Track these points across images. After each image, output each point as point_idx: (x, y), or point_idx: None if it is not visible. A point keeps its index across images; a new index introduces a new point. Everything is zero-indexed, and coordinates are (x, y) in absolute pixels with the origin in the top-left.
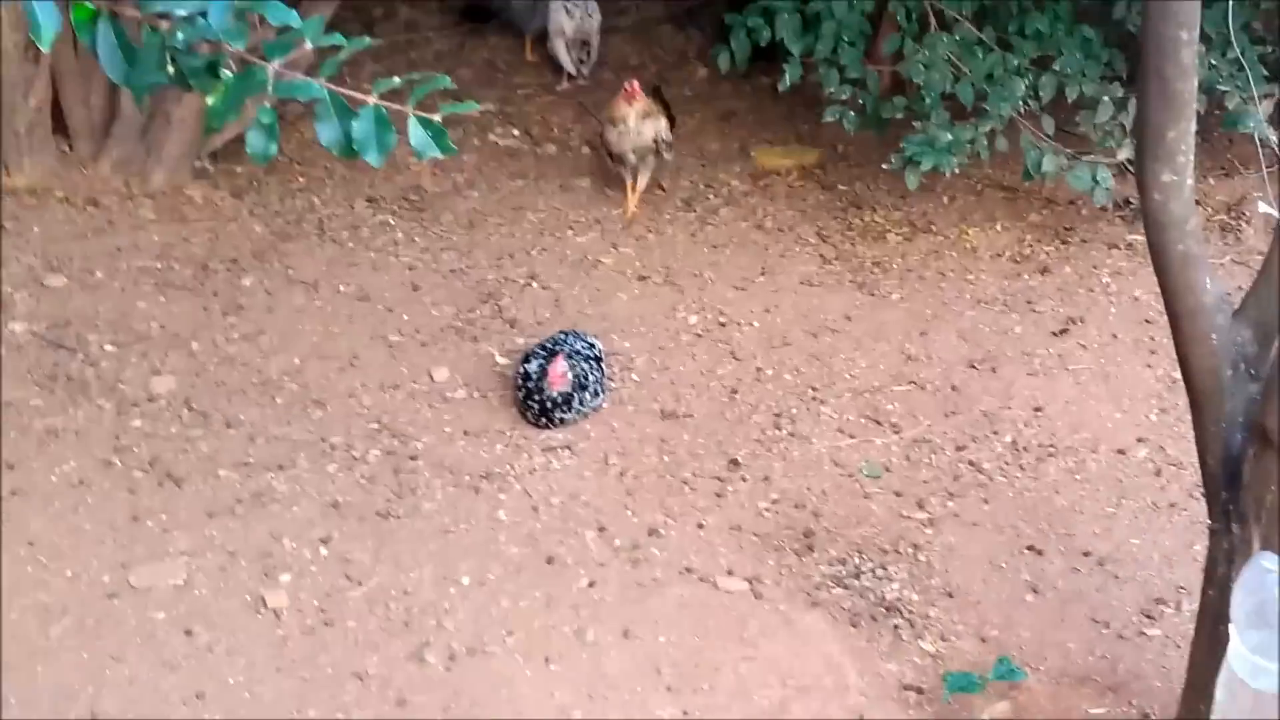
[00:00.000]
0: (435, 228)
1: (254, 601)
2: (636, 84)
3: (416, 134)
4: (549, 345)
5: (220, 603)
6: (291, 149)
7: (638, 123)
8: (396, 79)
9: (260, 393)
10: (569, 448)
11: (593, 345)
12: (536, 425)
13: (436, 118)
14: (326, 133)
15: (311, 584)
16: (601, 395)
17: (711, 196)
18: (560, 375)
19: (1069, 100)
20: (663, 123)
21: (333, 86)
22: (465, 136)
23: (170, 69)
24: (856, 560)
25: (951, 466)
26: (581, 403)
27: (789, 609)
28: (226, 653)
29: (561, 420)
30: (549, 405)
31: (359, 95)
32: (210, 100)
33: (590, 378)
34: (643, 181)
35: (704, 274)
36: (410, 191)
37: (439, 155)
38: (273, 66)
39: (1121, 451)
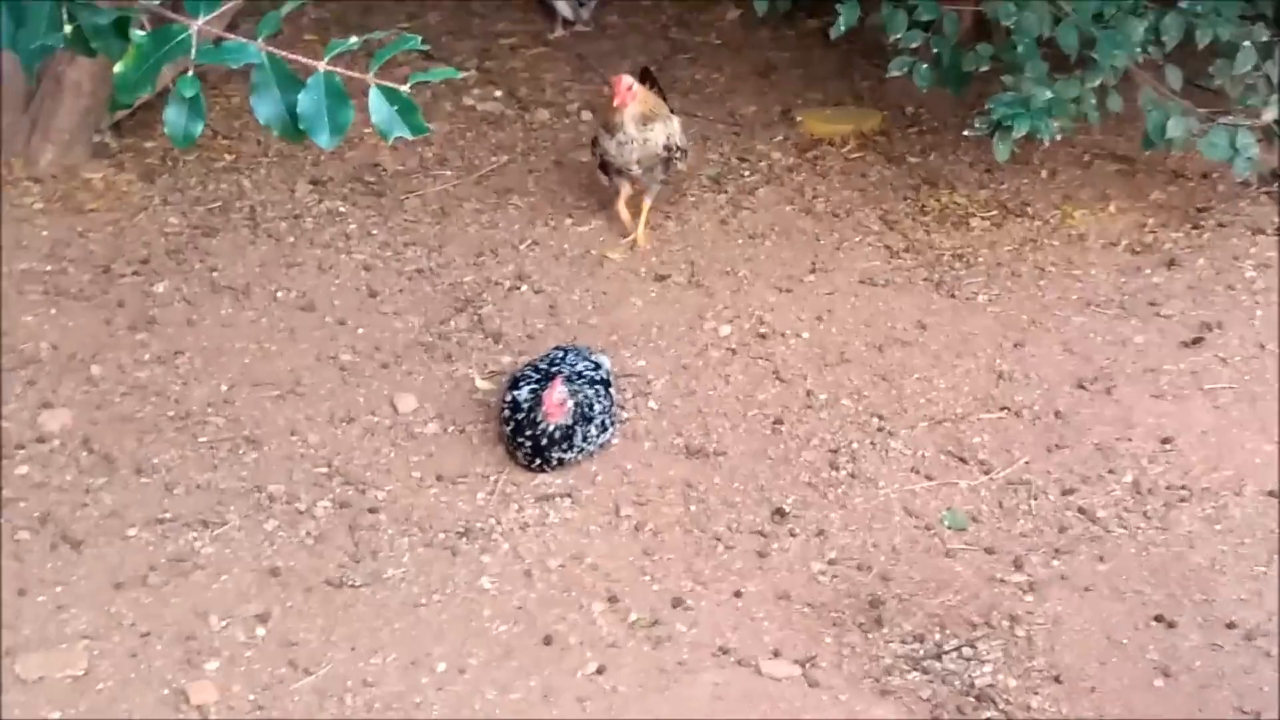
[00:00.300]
0: (397, 217)
1: (173, 696)
2: (625, 80)
3: (379, 109)
4: (543, 366)
5: (131, 698)
6: (215, 118)
7: (639, 129)
8: (353, 39)
9: (179, 430)
10: (570, 495)
11: (599, 365)
12: (529, 468)
13: (405, 89)
14: (265, 107)
15: (246, 673)
16: (610, 429)
17: (747, 173)
18: (558, 405)
19: (1199, 46)
20: (675, 123)
21: (273, 49)
22: (434, 101)
23: (67, 28)
24: (937, 636)
25: (1057, 515)
26: (585, 438)
27: (852, 699)
28: None
29: (560, 461)
30: (545, 442)
31: (306, 60)
32: (118, 67)
33: (596, 407)
34: (650, 199)
35: (738, 272)
36: (365, 171)
37: (408, 135)
38: (196, 24)
39: (1272, 494)
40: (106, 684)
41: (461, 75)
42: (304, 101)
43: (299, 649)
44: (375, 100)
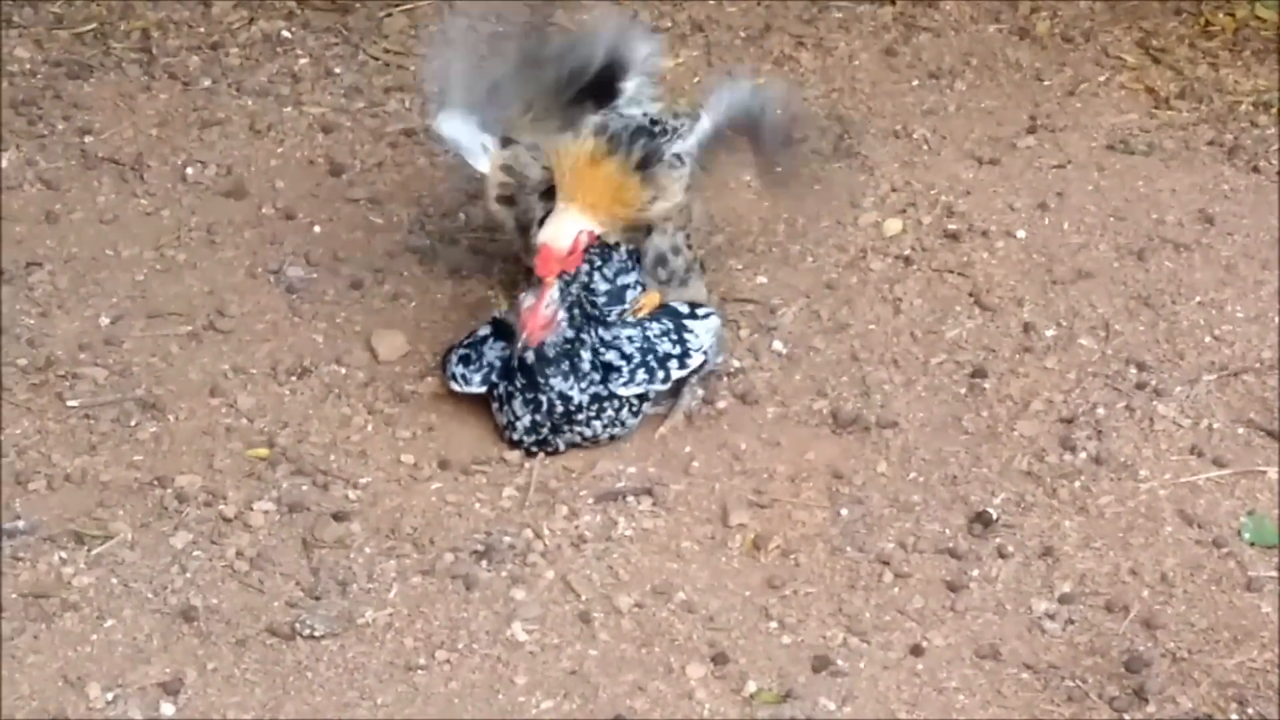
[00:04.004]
0: (374, 44)
1: None
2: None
3: None
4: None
5: None
6: None
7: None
8: None
9: (34, 388)
10: (650, 493)
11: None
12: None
13: None
14: None
15: None
16: (701, 376)
17: None
18: (545, 318)
19: None
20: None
21: None
22: None
23: None
24: (1234, 718)
25: None
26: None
27: None
28: None
29: (570, 430)
30: (533, 380)
31: None
32: None
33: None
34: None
35: (913, 132)
36: None
37: None
38: None
39: None
40: None
41: None
42: None
43: None
44: None
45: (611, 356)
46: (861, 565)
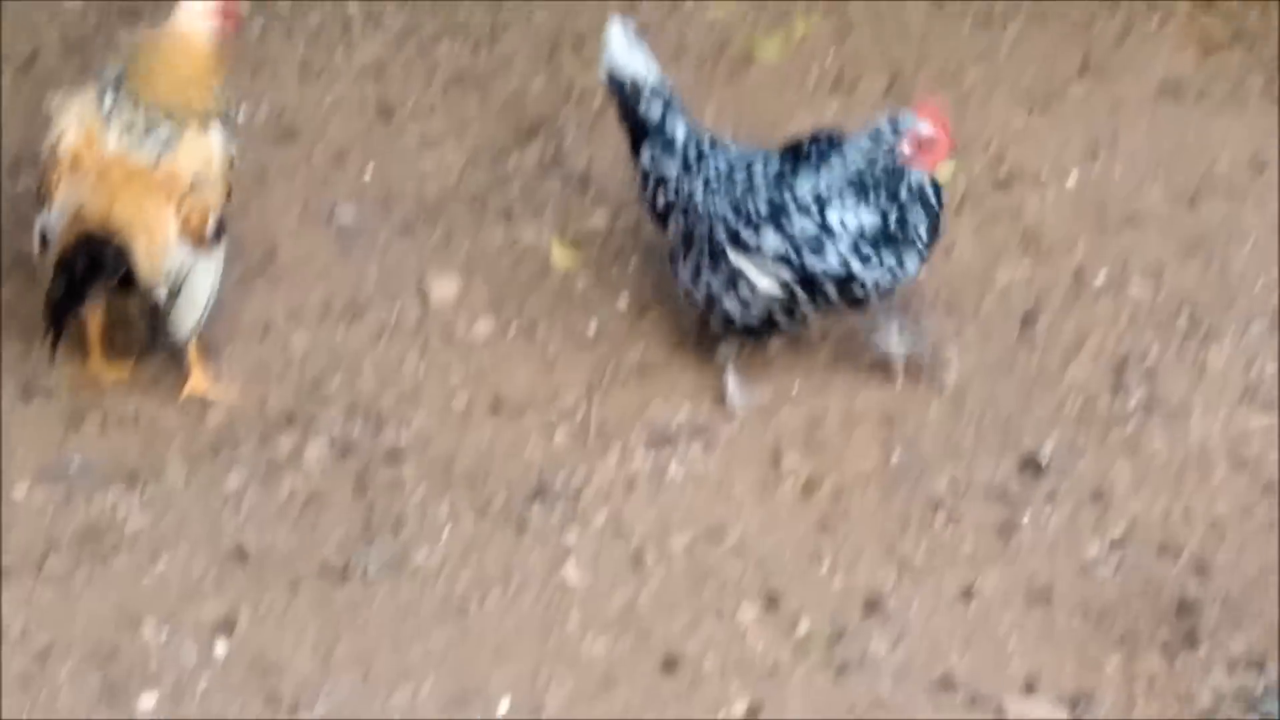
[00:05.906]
0: None
1: None
2: None
3: None
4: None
5: None
6: None
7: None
8: None
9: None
10: (702, 435)
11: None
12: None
13: None
14: None
15: (201, 711)
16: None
17: None
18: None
19: None
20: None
21: None
22: None
23: None
24: None
25: None
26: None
27: None
28: None
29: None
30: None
31: None
32: None
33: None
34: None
35: (964, 76)
36: None
37: None
38: None
39: None
40: None
41: None
42: None
43: (282, 675)
44: None
45: None
46: (913, 508)
